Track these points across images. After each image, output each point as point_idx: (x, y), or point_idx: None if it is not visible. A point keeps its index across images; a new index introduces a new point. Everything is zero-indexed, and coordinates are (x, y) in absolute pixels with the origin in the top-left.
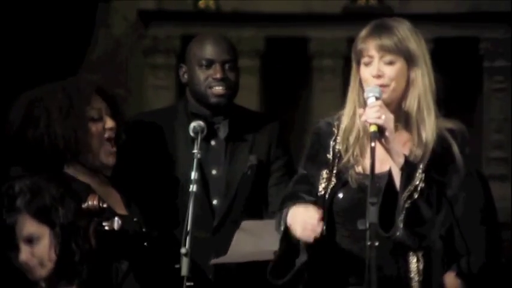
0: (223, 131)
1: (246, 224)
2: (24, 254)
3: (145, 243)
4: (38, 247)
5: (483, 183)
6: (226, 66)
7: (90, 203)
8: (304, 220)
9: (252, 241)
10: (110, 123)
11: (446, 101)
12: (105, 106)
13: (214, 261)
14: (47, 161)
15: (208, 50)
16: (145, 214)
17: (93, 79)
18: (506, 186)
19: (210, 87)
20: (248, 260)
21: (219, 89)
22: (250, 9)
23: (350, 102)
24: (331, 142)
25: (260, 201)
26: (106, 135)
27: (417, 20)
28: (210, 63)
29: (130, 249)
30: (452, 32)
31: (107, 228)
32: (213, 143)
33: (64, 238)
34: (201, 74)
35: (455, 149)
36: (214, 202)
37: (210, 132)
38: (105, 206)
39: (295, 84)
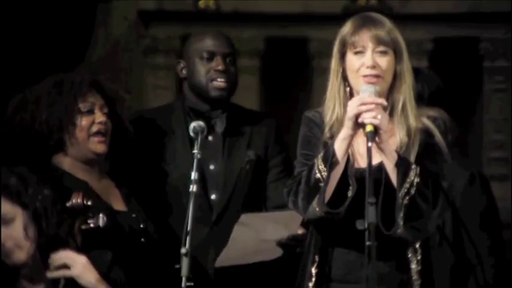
0: (220, 126)
1: (245, 217)
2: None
3: (142, 239)
4: (12, 228)
5: (485, 185)
6: (227, 59)
7: (74, 201)
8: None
9: (253, 235)
10: (100, 117)
11: (447, 101)
12: (101, 102)
13: (218, 263)
14: (34, 150)
15: (210, 43)
16: (145, 210)
17: (92, 74)
18: (506, 186)
19: (212, 80)
20: (251, 261)
21: (221, 80)
22: (250, 9)
23: (331, 97)
24: (321, 135)
25: (258, 196)
26: (95, 128)
27: (417, 20)
28: (211, 56)
29: (118, 245)
30: (452, 32)
31: (92, 225)
32: (210, 138)
33: (37, 220)
34: (202, 67)
35: (438, 137)
36: (213, 197)
37: (208, 127)
38: (89, 203)
39: (295, 84)
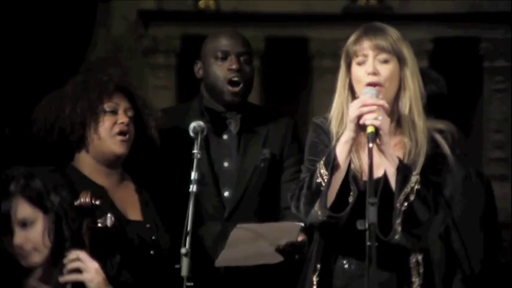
0: (234, 126)
1: (243, 225)
2: (19, 237)
3: (151, 252)
4: (32, 231)
5: (485, 184)
6: (242, 59)
7: (82, 200)
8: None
9: (251, 237)
10: (122, 118)
11: (447, 101)
12: (126, 105)
13: (218, 263)
14: (56, 147)
15: (224, 42)
16: (162, 216)
17: (123, 77)
18: (506, 186)
19: (228, 82)
20: (251, 263)
21: (235, 80)
22: (250, 9)
23: (338, 106)
24: (328, 142)
25: (272, 195)
26: (117, 129)
27: (417, 20)
28: (225, 55)
29: (126, 252)
30: (452, 32)
31: (100, 225)
32: (225, 136)
33: (57, 225)
34: (217, 68)
35: (446, 149)
36: (226, 194)
37: (223, 126)
38: (97, 202)
39: (295, 84)
